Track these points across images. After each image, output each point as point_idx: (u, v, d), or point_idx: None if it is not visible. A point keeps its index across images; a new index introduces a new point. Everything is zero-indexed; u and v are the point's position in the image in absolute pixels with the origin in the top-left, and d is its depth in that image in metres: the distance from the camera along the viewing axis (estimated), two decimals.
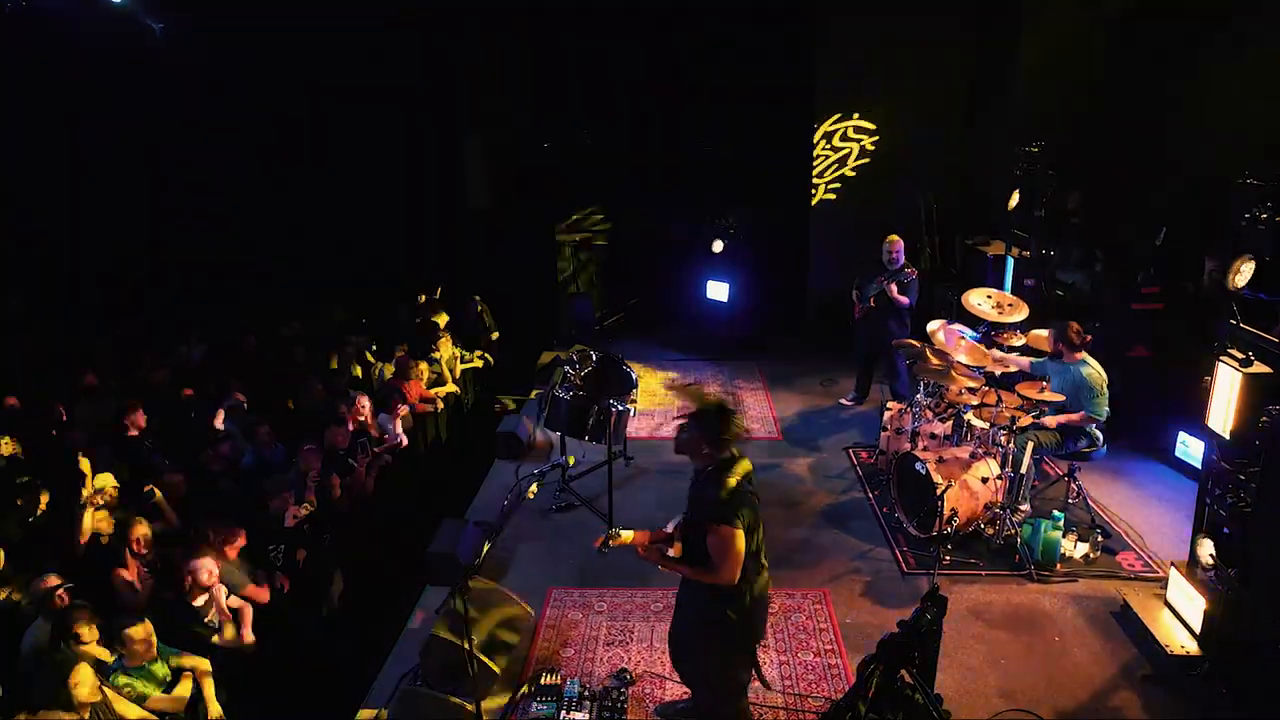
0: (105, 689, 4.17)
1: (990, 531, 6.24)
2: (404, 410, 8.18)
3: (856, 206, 11.08)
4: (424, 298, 11.22)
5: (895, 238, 8.44)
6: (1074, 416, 6.12)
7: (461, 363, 9.92)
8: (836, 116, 10.96)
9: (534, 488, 4.52)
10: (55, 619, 4.53)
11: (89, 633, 4.45)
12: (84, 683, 3.98)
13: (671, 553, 3.92)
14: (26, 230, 11.21)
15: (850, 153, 11.12)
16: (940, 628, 3.14)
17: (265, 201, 11.95)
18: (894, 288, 8.28)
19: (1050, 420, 6.15)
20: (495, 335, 10.98)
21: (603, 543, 4.01)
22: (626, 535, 4.02)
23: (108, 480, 6.04)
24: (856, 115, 10.93)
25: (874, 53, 10.52)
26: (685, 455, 3.87)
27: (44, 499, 5.62)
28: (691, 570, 3.80)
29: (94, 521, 5.49)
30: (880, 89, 10.74)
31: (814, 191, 11.23)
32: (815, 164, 11.11)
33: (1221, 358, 4.94)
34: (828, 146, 11.10)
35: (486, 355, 10.49)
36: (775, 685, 4.88)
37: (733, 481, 3.70)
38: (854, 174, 11.14)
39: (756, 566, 3.82)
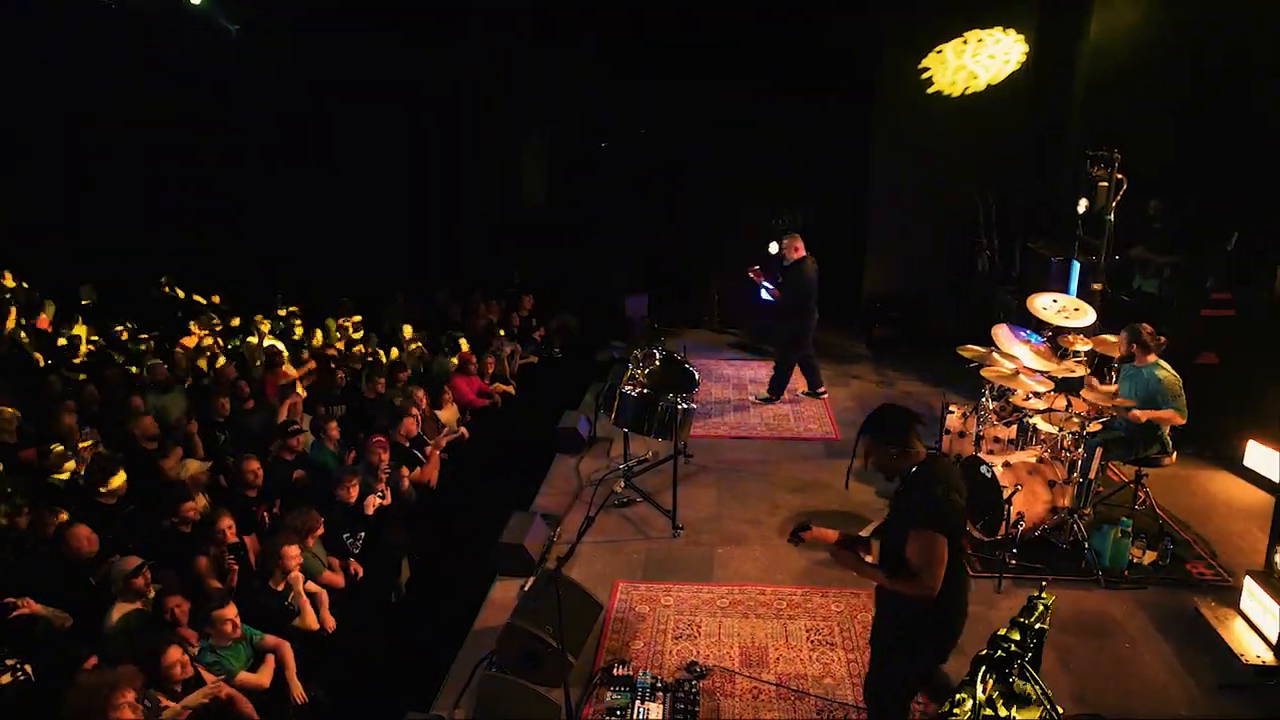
0: (196, 665, 4.33)
1: (1057, 536, 6.21)
2: (452, 406, 8.34)
3: (914, 206, 11.05)
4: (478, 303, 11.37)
5: (795, 236, 8.91)
6: (1164, 413, 6.03)
7: (519, 359, 10.08)
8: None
9: (620, 484, 4.58)
10: (154, 598, 4.72)
11: (180, 613, 4.64)
12: (176, 663, 4.14)
13: (868, 559, 3.75)
14: (94, 223, 11.58)
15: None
16: (1048, 627, 3.17)
17: (317, 197, 12.22)
18: (760, 277, 8.93)
19: (1140, 414, 6.05)
20: (539, 333, 11.10)
21: (794, 535, 3.84)
22: (823, 532, 3.84)
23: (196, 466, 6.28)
24: None
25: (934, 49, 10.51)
26: (883, 470, 3.76)
27: (119, 480, 5.81)
28: (889, 578, 3.60)
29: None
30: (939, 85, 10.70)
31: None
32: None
33: None
34: None
35: (538, 353, 10.64)
36: (844, 683, 4.92)
37: (939, 490, 3.53)
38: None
39: (963, 578, 3.65)
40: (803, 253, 8.83)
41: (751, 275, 9.14)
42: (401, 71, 11.47)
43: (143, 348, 9.23)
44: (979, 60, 10.68)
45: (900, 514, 3.65)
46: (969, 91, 10.72)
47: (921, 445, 3.69)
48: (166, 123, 11.37)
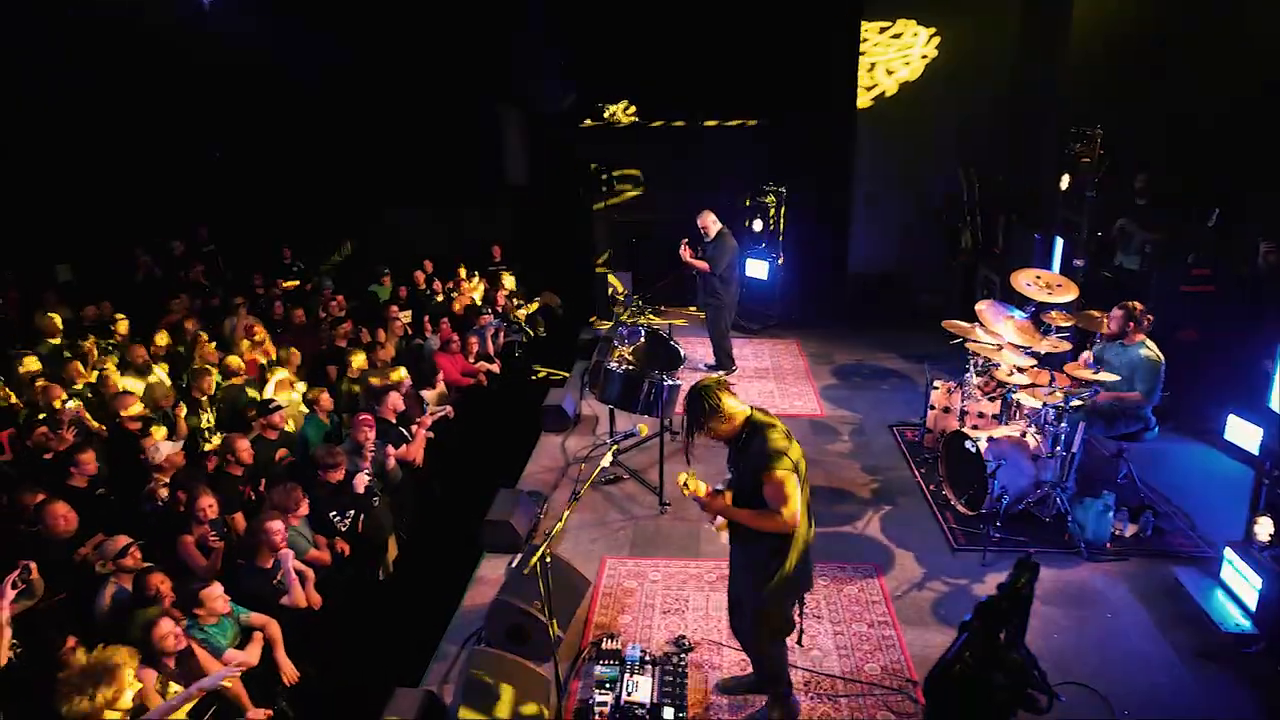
0: (188, 639, 4.30)
1: (1041, 509, 6.27)
2: (440, 385, 8.30)
3: (896, 184, 11.05)
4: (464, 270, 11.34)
5: (705, 212, 9.08)
6: (1131, 395, 6.09)
7: (504, 337, 10.04)
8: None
9: (608, 459, 4.61)
10: (134, 577, 4.67)
11: (165, 590, 4.59)
12: (169, 634, 4.11)
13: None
14: (72, 202, 11.37)
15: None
16: (1033, 592, 3.21)
17: (300, 174, 12.07)
18: (688, 252, 9.12)
19: (1103, 396, 6.11)
20: (523, 311, 11.05)
21: (684, 484, 4.07)
22: (696, 485, 4.05)
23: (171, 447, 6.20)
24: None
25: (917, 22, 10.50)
26: (717, 439, 4.00)
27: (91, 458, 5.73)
28: (753, 515, 3.88)
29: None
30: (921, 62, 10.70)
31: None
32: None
33: None
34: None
35: (526, 329, 10.60)
36: (830, 655, 4.96)
37: (776, 434, 3.85)
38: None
39: (808, 517, 4.01)
40: (719, 225, 9.02)
41: (683, 255, 9.16)
42: (381, 47, 11.31)
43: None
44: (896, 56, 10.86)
45: (748, 465, 3.89)
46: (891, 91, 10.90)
47: (738, 403, 3.95)
48: (140, 100, 11.16)
